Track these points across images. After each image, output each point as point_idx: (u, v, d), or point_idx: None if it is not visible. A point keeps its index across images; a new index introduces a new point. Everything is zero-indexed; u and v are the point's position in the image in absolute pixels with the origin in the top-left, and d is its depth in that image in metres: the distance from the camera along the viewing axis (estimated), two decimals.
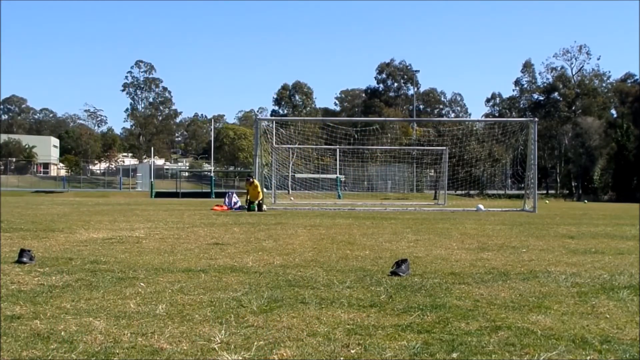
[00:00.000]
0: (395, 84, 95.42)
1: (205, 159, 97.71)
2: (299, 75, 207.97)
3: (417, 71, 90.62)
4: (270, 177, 32.64)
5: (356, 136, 49.94)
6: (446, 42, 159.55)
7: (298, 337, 3.30)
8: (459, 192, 56.96)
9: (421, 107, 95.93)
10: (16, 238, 8.70)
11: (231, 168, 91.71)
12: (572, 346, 3.19)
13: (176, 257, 6.71)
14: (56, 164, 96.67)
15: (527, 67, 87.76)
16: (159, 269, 5.75)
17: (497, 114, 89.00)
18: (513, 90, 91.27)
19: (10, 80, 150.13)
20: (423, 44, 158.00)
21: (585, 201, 59.72)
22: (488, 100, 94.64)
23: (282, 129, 39.90)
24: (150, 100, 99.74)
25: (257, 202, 20.76)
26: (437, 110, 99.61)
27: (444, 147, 38.65)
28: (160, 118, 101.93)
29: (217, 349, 3.06)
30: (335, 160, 54.92)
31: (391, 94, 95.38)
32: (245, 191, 22.05)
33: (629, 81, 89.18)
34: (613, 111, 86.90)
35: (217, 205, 22.46)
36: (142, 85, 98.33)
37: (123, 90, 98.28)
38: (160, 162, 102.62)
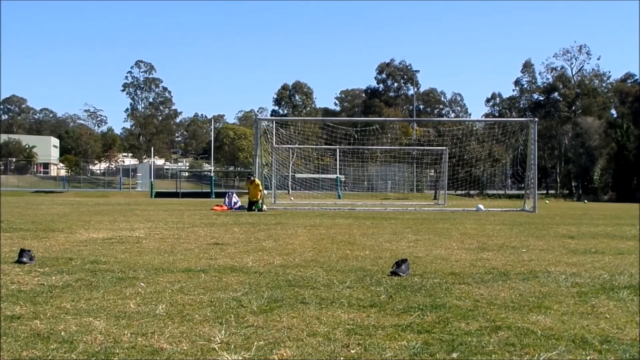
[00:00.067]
0: (395, 84, 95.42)
1: (205, 159, 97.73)
2: (299, 75, 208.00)
3: (417, 71, 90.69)
4: (270, 177, 32.64)
5: (356, 136, 49.94)
6: (446, 42, 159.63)
7: (298, 337, 3.30)
8: (459, 192, 56.96)
9: (421, 107, 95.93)
10: (16, 238, 8.70)
11: (231, 168, 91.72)
12: (572, 346, 3.19)
13: (176, 257, 6.71)
14: (56, 164, 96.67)
15: (527, 67, 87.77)
16: (159, 269, 5.75)
17: (497, 114, 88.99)
18: (513, 90, 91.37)
19: (10, 80, 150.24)
20: (423, 44, 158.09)
21: (585, 201, 59.73)
22: (488, 100, 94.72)
23: (282, 129, 39.90)
24: (150, 100, 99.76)
25: (260, 201, 20.73)
26: (437, 110, 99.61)
27: (444, 147, 38.65)
28: (160, 118, 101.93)
29: (217, 349, 3.06)
30: (335, 160, 54.93)
31: (391, 94, 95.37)
32: (246, 191, 22.03)
33: (629, 81, 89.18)
34: (613, 111, 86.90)
35: (217, 205, 22.46)
36: (142, 85, 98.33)
37: (123, 90, 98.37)
38: (160, 162, 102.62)
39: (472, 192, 63.07)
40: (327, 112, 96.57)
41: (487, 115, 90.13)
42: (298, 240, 9.14)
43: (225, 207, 21.60)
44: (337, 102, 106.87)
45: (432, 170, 61.07)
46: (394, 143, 66.79)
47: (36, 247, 7.43)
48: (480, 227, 12.70)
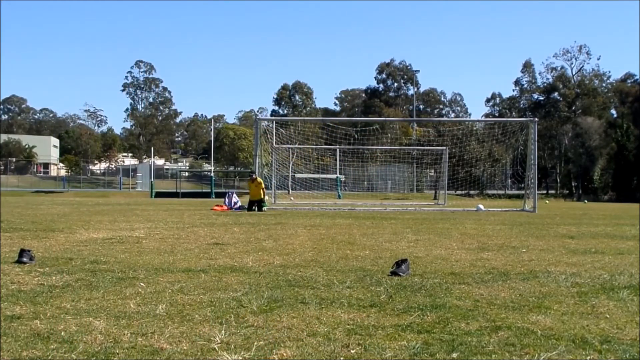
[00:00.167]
0: (395, 84, 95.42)
1: (205, 159, 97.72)
2: (299, 75, 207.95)
3: (417, 71, 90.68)
4: (270, 177, 32.64)
5: (356, 136, 49.95)
6: (446, 42, 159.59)
7: (298, 337, 3.30)
8: (459, 192, 56.97)
9: (421, 107, 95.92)
10: (16, 238, 8.70)
11: (231, 168, 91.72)
12: (572, 346, 3.19)
13: (176, 257, 6.71)
14: (56, 164, 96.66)
15: (527, 67, 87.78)
16: (159, 269, 5.75)
17: (497, 114, 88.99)
18: (513, 90, 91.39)
19: (10, 80, 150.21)
20: (423, 44, 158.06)
21: (585, 201, 59.73)
22: (488, 100, 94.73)
23: (282, 129, 39.89)
24: (150, 100, 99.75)
25: (263, 199, 20.64)
26: (437, 110, 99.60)
27: (444, 147, 38.66)
28: (160, 118, 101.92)
29: (217, 349, 3.06)
30: (335, 160, 54.93)
31: (391, 94, 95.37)
32: (247, 191, 21.95)
33: (629, 81, 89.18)
34: (613, 111, 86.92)
35: (217, 205, 22.46)
36: (142, 85, 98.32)
37: (123, 90, 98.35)
38: (160, 162, 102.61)
39: (472, 192, 63.08)
40: (327, 112, 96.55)
41: (487, 115, 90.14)
42: (298, 240, 9.14)
43: (225, 207, 21.59)
44: (337, 102, 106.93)
45: (432, 170, 61.08)
46: (394, 143, 66.79)
47: (36, 247, 7.43)
48: (480, 227, 12.70)
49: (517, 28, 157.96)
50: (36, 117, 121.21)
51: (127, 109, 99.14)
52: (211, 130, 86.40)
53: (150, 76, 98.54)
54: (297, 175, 50.38)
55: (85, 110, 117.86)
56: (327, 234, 10.46)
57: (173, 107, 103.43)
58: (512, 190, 72.19)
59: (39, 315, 3.74)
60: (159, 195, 51.88)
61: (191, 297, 4.35)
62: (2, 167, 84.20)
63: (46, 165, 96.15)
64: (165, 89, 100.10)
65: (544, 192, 75.39)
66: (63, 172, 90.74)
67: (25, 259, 6.01)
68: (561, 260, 6.96)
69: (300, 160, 51.94)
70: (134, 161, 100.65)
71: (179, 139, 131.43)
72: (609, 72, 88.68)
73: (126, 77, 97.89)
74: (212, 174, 64.43)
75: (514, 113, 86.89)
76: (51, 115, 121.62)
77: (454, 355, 3.00)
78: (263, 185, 21.02)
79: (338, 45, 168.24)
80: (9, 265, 5.89)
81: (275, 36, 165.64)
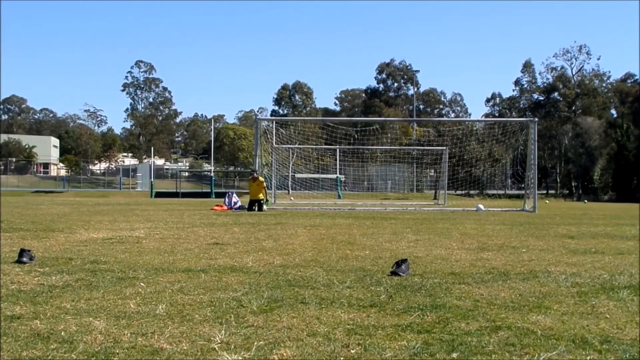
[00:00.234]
0: (395, 84, 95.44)
1: (205, 159, 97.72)
2: (299, 75, 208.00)
3: (417, 71, 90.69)
4: (270, 177, 32.64)
5: (356, 136, 49.97)
6: (446, 42, 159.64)
7: (298, 337, 3.30)
8: (459, 192, 56.99)
9: (421, 107, 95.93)
10: (16, 238, 8.70)
11: (231, 168, 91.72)
12: (572, 346, 3.19)
13: (176, 257, 6.71)
14: (56, 164, 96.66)
15: (527, 67, 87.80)
16: (159, 269, 5.75)
17: (497, 114, 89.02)
18: (513, 90, 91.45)
19: (10, 80, 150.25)
20: (423, 44, 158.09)
21: (585, 201, 59.73)
22: (488, 100, 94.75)
23: (282, 129, 39.90)
24: (150, 100, 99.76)
25: (264, 199, 20.58)
26: (437, 110, 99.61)
27: (444, 147, 38.65)
28: (160, 118, 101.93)
29: (217, 349, 3.06)
30: (335, 160, 54.94)
31: (391, 94, 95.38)
32: (247, 191, 21.90)
33: (629, 81, 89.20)
34: (613, 111, 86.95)
35: (217, 205, 22.45)
36: (142, 85, 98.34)
37: (123, 90, 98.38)
38: (160, 162, 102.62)
39: (472, 192, 63.09)
40: (327, 112, 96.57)
41: (487, 115, 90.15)
42: (298, 240, 9.14)
43: (225, 207, 21.59)
44: (337, 102, 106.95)
45: (432, 170, 61.07)
46: (394, 143, 66.81)
47: (36, 247, 7.43)
48: (480, 227, 12.70)
49: (517, 28, 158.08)
50: (36, 117, 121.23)
51: (127, 109, 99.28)
52: (211, 130, 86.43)
53: (150, 76, 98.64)
54: (297, 175, 50.39)
55: (85, 110, 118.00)
56: (327, 234, 10.46)
57: (173, 107, 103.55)
58: (512, 190, 72.21)
59: (39, 315, 3.74)
60: (159, 195, 51.89)
61: (191, 297, 4.35)
62: (2, 167, 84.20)
63: (46, 165, 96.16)
64: (165, 89, 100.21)
65: (544, 192, 75.40)
66: (63, 172, 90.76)
67: (25, 259, 6.01)
68: (561, 260, 6.96)
69: (300, 160, 51.95)
70: (134, 161, 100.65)
71: (179, 139, 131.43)
72: (609, 72, 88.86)
73: (126, 77, 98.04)
74: (212, 174, 64.45)
75: (514, 113, 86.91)
76: (51, 115, 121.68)
77: (454, 355, 3.00)
78: (265, 185, 20.97)
79: (338, 45, 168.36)
80: (9, 265, 5.89)
81: (275, 36, 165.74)
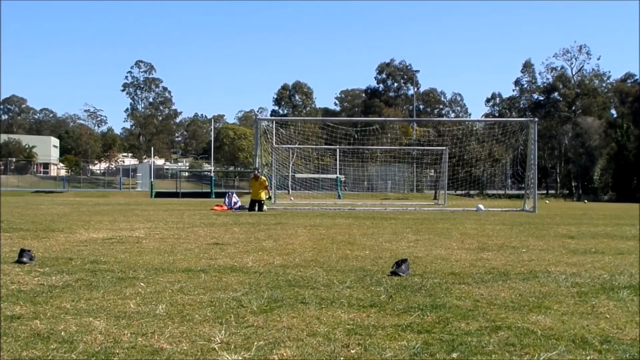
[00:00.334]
0: (395, 84, 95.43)
1: (205, 159, 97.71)
2: (299, 75, 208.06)
3: (417, 71, 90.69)
4: (270, 177, 32.65)
5: (356, 136, 49.97)
6: (446, 42, 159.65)
7: (298, 337, 3.30)
8: (459, 192, 56.99)
9: (421, 107, 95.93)
10: (16, 238, 8.70)
11: (231, 168, 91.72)
12: (572, 346, 3.19)
13: (176, 257, 6.71)
14: (56, 164, 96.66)
15: (527, 67, 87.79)
16: (159, 269, 5.75)
17: (497, 114, 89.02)
18: (513, 90, 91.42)
19: (10, 80, 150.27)
20: (423, 44, 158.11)
21: (585, 201, 59.73)
22: (488, 100, 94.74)
23: (282, 129, 39.90)
24: (150, 100, 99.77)
25: (267, 197, 20.50)
26: (437, 110, 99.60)
27: (444, 147, 38.65)
28: (160, 118, 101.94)
29: (217, 349, 3.06)
30: (335, 160, 54.93)
31: (391, 94, 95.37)
32: (247, 191, 21.89)
33: (629, 81, 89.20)
34: (613, 111, 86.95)
35: (217, 205, 22.45)
36: (142, 85, 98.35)
37: (123, 90, 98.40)
38: (160, 162, 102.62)
39: (472, 192, 63.09)
40: (327, 112, 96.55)
41: (487, 115, 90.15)
42: (298, 240, 9.14)
43: (225, 207, 21.58)
44: (337, 102, 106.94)
45: (432, 170, 61.07)
46: (394, 143, 66.80)
47: (36, 247, 7.43)
48: (480, 227, 12.70)
49: (517, 28, 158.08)
50: (36, 117, 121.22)
51: (127, 109, 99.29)
52: (211, 130, 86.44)
53: (150, 76, 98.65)
54: (297, 175, 50.38)
55: (85, 110, 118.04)
56: (327, 234, 10.46)
57: (173, 107, 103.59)
58: (512, 190, 72.21)
59: (39, 315, 3.74)
60: (159, 195, 51.90)
61: (191, 297, 4.35)
62: (2, 167, 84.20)
63: (46, 165, 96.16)
64: (165, 89, 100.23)
65: (544, 192, 75.40)
66: (63, 172, 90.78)
67: (25, 259, 6.01)
68: (561, 260, 6.96)
69: (300, 160, 51.95)
70: (134, 161, 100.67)
71: (179, 139, 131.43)
72: (609, 72, 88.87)
73: (126, 77, 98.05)
74: (212, 174, 64.46)
75: (514, 113, 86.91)
76: (51, 115, 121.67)
77: (454, 355, 3.00)
78: (267, 183, 20.91)
79: (338, 45, 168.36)
80: (9, 265, 5.89)
81: (275, 36, 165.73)
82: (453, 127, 55.35)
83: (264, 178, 20.82)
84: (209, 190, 54.87)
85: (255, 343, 3.16)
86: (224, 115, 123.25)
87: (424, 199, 48.53)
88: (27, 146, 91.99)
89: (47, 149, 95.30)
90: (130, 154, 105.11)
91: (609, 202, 61.70)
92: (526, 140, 25.81)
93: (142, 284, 4.90)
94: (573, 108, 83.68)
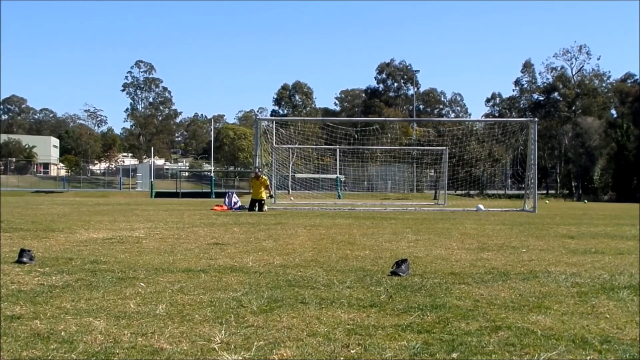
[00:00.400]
0: (395, 84, 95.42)
1: (205, 159, 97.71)
2: (299, 75, 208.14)
3: (417, 71, 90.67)
4: (270, 177, 32.66)
5: (356, 136, 49.97)
6: (446, 42, 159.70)
7: (298, 337, 3.30)
8: (459, 192, 57.00)
9: (421, 107, 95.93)
10: (16, 238, 8.70)
11: (231, 168, 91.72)
12: (572, 346, 3.19)
13: (176, 257, 6.71)
14: (56, 164, 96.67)
15: (527, 67, 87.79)
16: (159, 269, 5.75)
17: (497, 114, 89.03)
18: (513, 90, 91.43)
19: (10, 80, 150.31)
20: (423, 44, 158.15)
21: (585, 201, 59.73)
22: (488, 100, 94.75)
23: (282, 129, 39.91)
24: (150, 100, 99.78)
25: (268, 195, 20.42)
26: (437, 110, 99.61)
27: (444, 147, 38.65)
28: (160, 118, 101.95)
29: (217, 349, 3.06)
30: (335, 160, 54.94)
31: (391, 94, 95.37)
32: (247, 191, 21.87)
33: (629, 81, 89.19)
34: (613, 111, 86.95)
35: (217, 205, 22.44)
36: (142, 85, 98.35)
37: (123, 90, 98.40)
38: (160, 162, 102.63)
39: (472, 192, 63.10)
40: (327, 112, 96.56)
41: (487, 115, 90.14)
42: (298, 240, 9.13)
43: (225, 207, 21.58)
44: (337, 102, 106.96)
45: (432, 170, 61.08)
46: (394, 143, 66.80)
47: (36, 247, 7.43)
48: (480, 227, 12.70)
49: (517, 28, 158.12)
50: (36, 117, 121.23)
51: (127, 109, 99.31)
52: (211, 130, 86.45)
53: (150, 76, 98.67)
54: (297, 175, 50.39)
55: (85, 110, 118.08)
56: (327, 234, 10.45)
57: (173, 107, 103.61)
58: (512, 190, 72.21)
59: (39, 315, 3.74)
60: (159, 195, 51.91)
61: (191, 297, 4.35)
62: (2, 167, 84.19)
63: (46, 165, 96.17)
64: (165, 89, 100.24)
65: (544, 192, 75.40)
66: (63, 172, 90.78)
67: (25, 259, 6.01)
68: (561, 260, 6.96)
69: (300, 160, 51.95)
70: (134, 161, 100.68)
71: (179, 139, 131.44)
72: (609, 72, 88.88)
73: (126, 77, 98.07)
74: (212, 174, 64.46)
75: (514, 113, 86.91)
76: (51, 115, 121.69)
77: (454, 355, 3.00)
78: (268, 183, 20.86)
79: (338, 45, 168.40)
80: (9, 265, 5.89)
81: (275, 36, 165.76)
82: (453, 127, 55.37)
83: (265, 177, 20.79)
84: (209, 190, 54.88)
85: (255, 343, 3.16)
86: (224, 115, 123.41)
87: (424, 199, 48.53)
88: (27, 146, 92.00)
89: (47, 149, 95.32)
90: (130, 154, 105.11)
91: (609, 202, 61.69)
92: (526, 140, 25.81)
93: (142, 284, 4.90)
94: (573, 108, 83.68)
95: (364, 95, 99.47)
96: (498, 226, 13.25)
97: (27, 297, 4.29)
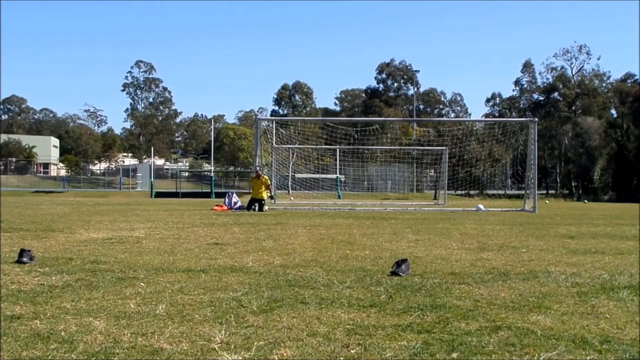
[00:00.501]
0: (395, 84, 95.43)
1: (205, 159, 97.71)
2: (299, 75, 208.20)
3: (417, 71, 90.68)
4: (270, 177, 32.66)
5: (356, 136, 49.97)
6: (446, 42, 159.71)
7: (298, 337, 3.30)
8: (459, 192, 56.99)
9: (421, 107, 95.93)
10: (16, 238, 8.70)
11: (231, 168, 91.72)
12: (572, 346, 3.19)
13: (176, 257, 6.71)
14: (56, 164, 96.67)
15: (527, 67, 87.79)
16: (159, 269, 5.75)
17: (497, 114, 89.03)
18: (513, 90, 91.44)
19: (10, 80, 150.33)
20: (423, 44, 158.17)
21: (585, 201, 59.73)
22: (488, 100, 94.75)
23: (282, 129, 39.91)
24: (150, 100, 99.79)
25: (269, 195, 20.37)
26: (437, 110, 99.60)
27: (444, 147, 38.64)
28: (160, 118, 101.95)
29: (217, 349, 3.06)
30: (335, 160, 54.94)
31: (391, 94, 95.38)
32: (247, 191, 21.85)
33: (629, 81, 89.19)
34: (613, 111, 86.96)
35: (217, 205, 22.44)
36: (142, 85, 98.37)
37: (123, 90, 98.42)
38: (160, 162, 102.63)
39: (472, 192, 63.09)
40: (327, 112, 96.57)
41: (487, 115, 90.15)
42: (298, 240, 9.13)
43: (225, 207, 21.57)
44: (337, 102, 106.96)
45: (432, 170, 61.10)
46: (394, 143, 66.80)
47: (36, 247, 7.43)
48: (480, 227, 12.70)
49: (517, 28, 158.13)
50: (36, 117, 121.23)
51: (127, 109, 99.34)
52: (211, 130, 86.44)
53: (150, 76, 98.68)
54: (297, 175, 50.38)
55: (85, 110, 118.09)
56: (327, 234, 10.45)
57: (173, 107, 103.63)
58: (512, 190, 72.20)
59: (39, 315, 3.74)
60: (159, 195, 51.91)
61: (191, 297, 4.35)
62: (2, 167, 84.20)
63: (46, 165, 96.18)
64: (165, 89, 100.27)
65: (544, 192, 75.41)
66: (63, 172, 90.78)
67: (25, 259, 6.01)
68: (561, 260, 6.96)
69: (300, 160, 51.94)
70: (134, 161, 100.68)
71: (179, 139, 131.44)
72: (609, 72, 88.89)
73: (126, 77, 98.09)
74: (212, 174, 64.46)
75: (514, 113, 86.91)
76: (51, 115, 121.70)
77: (454, 355, 3.00)
78: (269, 182, 20.82)
79: (338, 45, 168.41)
80: (9, 265, 5.89)
81: (275, 36, 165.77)
82: (453, 127, 55.37)
83: (266, 177, 20.76)
84: (209, 190, 54.88)
85: (255, 343, 3.16)
86: (224, 115, 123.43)
87: (424, 199, 48.53)
88: (27, 146, 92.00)
89: (47, 149, 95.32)
90: (130, 154, 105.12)
91: (609, 202, 61.69)
92: (526, 140, 25.81)
93: (142, 284, 4.90)
94: (573, 108, 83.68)
95: (364, 95, 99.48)
96: (498, 226, 13.25)
97: (27, 297, 4.29)
